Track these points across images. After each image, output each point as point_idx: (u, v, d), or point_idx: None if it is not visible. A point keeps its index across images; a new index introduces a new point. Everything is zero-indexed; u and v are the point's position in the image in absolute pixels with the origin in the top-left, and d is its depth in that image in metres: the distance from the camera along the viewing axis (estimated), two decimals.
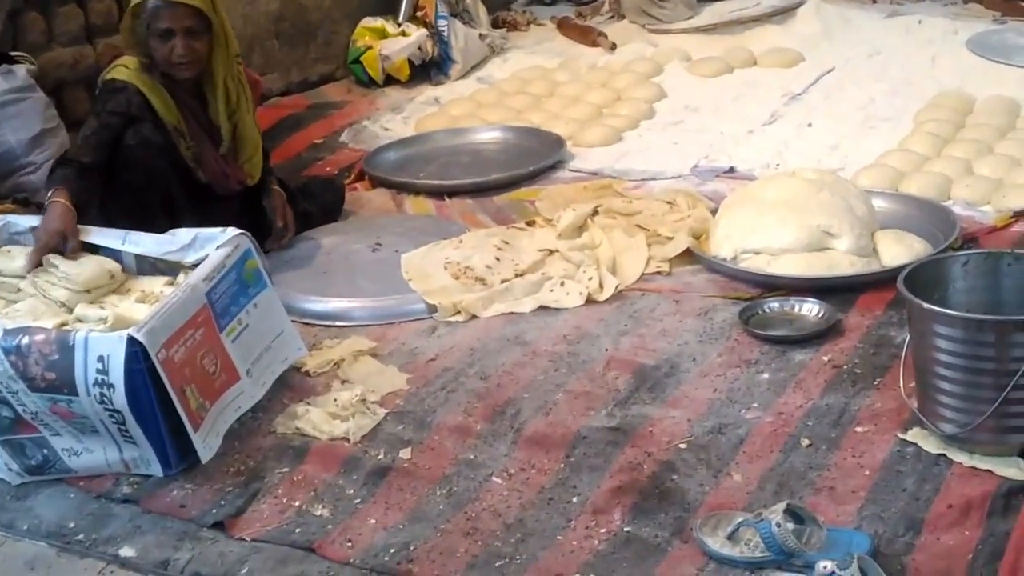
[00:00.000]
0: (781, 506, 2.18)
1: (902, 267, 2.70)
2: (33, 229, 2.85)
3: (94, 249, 2.82)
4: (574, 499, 2.38)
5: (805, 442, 2.50)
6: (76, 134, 3.52)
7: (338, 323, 3.19)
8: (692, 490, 2.38)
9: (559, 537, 2.28)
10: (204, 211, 3.27)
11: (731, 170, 4.09)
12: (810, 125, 4.43)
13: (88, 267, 2.69)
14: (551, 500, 2.39)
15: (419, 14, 5.39)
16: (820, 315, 3.00)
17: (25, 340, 2.38)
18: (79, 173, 3.09)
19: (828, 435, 2.52)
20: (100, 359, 2.36)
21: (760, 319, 3.02)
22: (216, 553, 2.29)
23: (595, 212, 3.63)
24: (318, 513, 2.39)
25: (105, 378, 2.35)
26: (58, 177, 3.06)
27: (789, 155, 4.13)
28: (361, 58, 5.26)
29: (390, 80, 5.28)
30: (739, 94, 4.85)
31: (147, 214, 3.19)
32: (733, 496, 2.35)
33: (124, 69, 3.31)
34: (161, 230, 2.92)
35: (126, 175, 3.23)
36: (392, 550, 2.27)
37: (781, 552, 2.14)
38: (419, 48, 5.26)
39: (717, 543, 2.20)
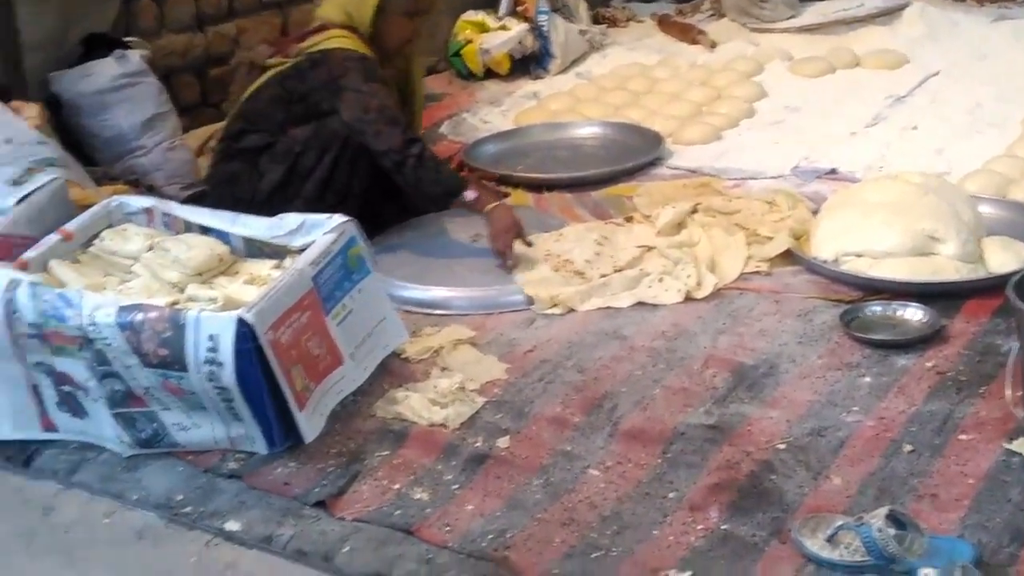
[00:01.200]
0: (883, 511, 2.15)
1: (1010, 274, 2.66)
2: (147, 210, 2.91)
3: (204, 231, 2.87)
4: (671, 495, 2.38)
5: (907, 448, 2.46)
6: (197, 118, 3.59)
7: (438, 311, 3.22)
8: (791, 491, 2.36)
9: (655, 532, 2.28)
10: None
11: (833, 171, 4.04)
12: (915, 128, 4.37)
13: (199, 250, 2.74)
14: (648, 494, 2.39)
15: (520, 9, 5.41)
16: (924, 320, 2.95)
17: (139, 317, 2.43)
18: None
19: (931, 442, 2.48)
20: (211, 338, 2.40)
21: (862, 322, 2.99)
22: (318, 531, 2.33)
23: (694, 210, 3.62)
24: (417, 497, 2.42)
25: (215, 356, 2.40)
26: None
27: (892, 158, 4.07)
28: (462, 51, 5.30)
29: (490, 73, 5.31)
30: (842, 95, 4.80)
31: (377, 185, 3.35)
32: (832, 499, 2.33)
33: (347, 40, 3.37)
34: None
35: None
36: (489, 536, 2.28)
37: (882, 557, 2.11)
38: (519, 42, 5.28)
39: (816, 545, 2.18)
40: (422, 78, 3.67)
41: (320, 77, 3.37)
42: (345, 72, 3.34)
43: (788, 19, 5.68)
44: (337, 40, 3.39)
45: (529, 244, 3.33)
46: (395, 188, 3.68)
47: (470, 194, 3.34)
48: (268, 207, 2.98)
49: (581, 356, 2.93)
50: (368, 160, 3.39)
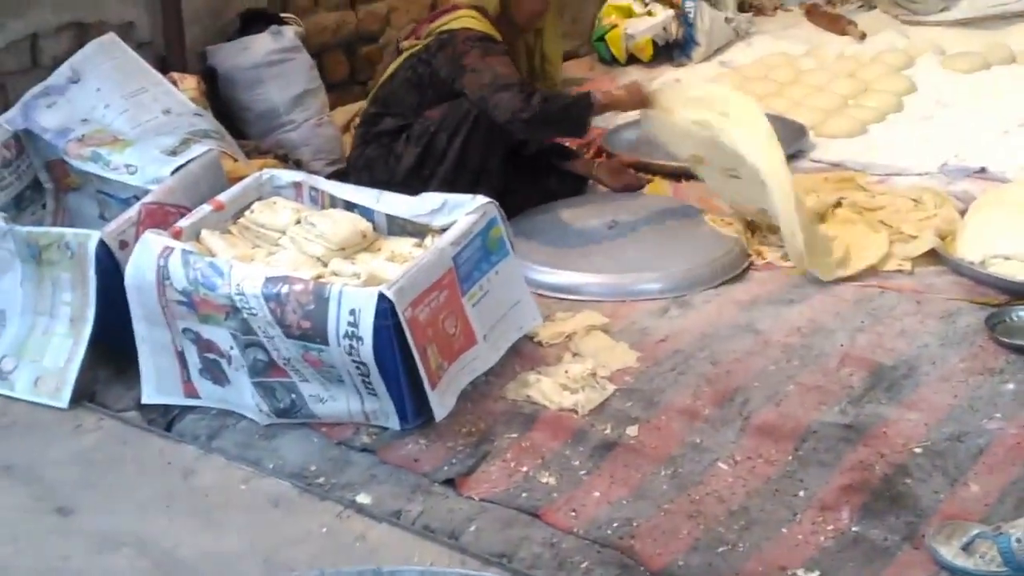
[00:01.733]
0: (1022, 521, 2.08)
1: None
2: (296, 184, 2.97)
3: (350, 207, 2.91)
4: (801, 493, 2.34)
5: None
6: (345, 95, 3.64)
7: (571, 296, 3.21)
8: (926, 496, 2.30)
9: (784, 530, 2.24)
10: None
11: (982, 170, 3.90)
12: None
13: (343, 226, 2.78)
14: (777, 491, 2.35)
15: None
16: None
17: (285, 289, 2.48)
18: None
19: None
20: (352, 312, 2.44)
21: (1007, 327, 2.88)
22: (446, 509, 2.35)
23: (838, 204, 3.53)
24: (544, 480, 2.42)
25: (355, 331, 2.44)
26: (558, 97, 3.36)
27: None
28: (606, 36, 5.27)
29: (632, 59, 5.27)
30: (995, 92, 4.62)
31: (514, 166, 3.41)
32: (969, 507, 2.26)
33: (474, 20, 3.42)
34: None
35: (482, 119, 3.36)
36: (615, 524, 2.27)
37: (1020, 568, 2.04)
38: (664, 28, 5.22)
39: (950, 553, 2.12)
40: (559, 55, 3.67)
41: (446, 58, 3.39)
42: (466, 51, 3.35)
43: (941, 11, 5.50)
44: (462, 20, 3.41)
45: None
46: (532, 170, 3.69)
47: (598, 96, 3.38)
48: (406, 189, 3.01)
49: (714, 348, 2.89)
50: (502, 138, 3.41)
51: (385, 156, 3.47)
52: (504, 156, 3.52)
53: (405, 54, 3.51)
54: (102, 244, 2.75)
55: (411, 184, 3.23)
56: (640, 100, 3.44)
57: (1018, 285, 3.04)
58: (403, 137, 3.46)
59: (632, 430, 2.57)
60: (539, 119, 3.25)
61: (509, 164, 3.59)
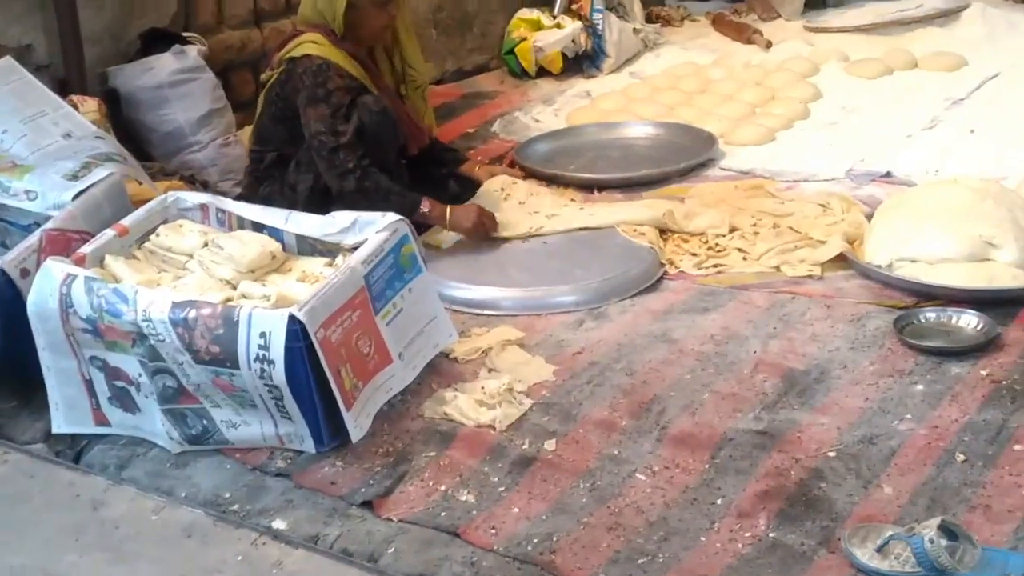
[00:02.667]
0: (935, 521, 2.12)
1: None
2: (202, 206, 2.93)
3: (258, 228, 2.88)
4: (718, 501, 2.36)
5: (960, 457, 2.42)
6: (251, 115, 3.64)
7: (487, 311, 3.21)
8: (840, 500, 2.33)
9: (702, 538, 2.26)
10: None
11: (888, 175, 3.98)
12: (972, 132, 4.29)
13: (252, 248, 2.75)
14: (695, 500, 2.36)
15: (574, 7, 5.39)
16: (979, 328, 2.90)
17: (192, 313, 2.44)
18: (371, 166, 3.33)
19: (984, 451, 2.44)
20: (262, 335, 2.41)
21: (915, 329, 2.94)
22: (364, 531, 2.33)
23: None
24: (463, 498, 2.41)
25: (266, 354, 2.41)
26: (383, 184, 3.32)
27: (949, 162, 4.01)
28: (515, 49, 5.29)
29: (542, 72, 5.29)
30: (898, 97, 4.73)
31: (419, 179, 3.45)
32: (883, 508, 2.29)
33: (314, 46, 3.39)
34: None
35: (363, 141, 3.35)
36: (535, 540, 2.27)
37: (933, 569, 2.08)
38: (573, 41, 5.26)
39: (866, 555, 2.15)
40: (419, 58, 3.69)
41: (292, 91, 3.40)
42: (299, 89, 3.37)
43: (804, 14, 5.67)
44: (304, 46, 3.40)
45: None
46: (430, 174, 3.71)
47: (425, 207, 3.39)
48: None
49: (630, 359, 2.91)
50: (388, 145, 3.43)
51: (280, 189, 3.46)
52: (397, 161, 3.53)
53: (265, 87, 3.50)
54: (2, 273, 2.70)
55: (314, 210, 3.20)
56: (470, 227, 3.47)
57: (924, 287, 3.11)
58: (293, 165, 3.44)
59: (550, 444, 2.57)
60: (352, 198, 3.28)
61: (406, 169, 3.60)
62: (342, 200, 3.25)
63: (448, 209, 3.44)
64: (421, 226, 3.39)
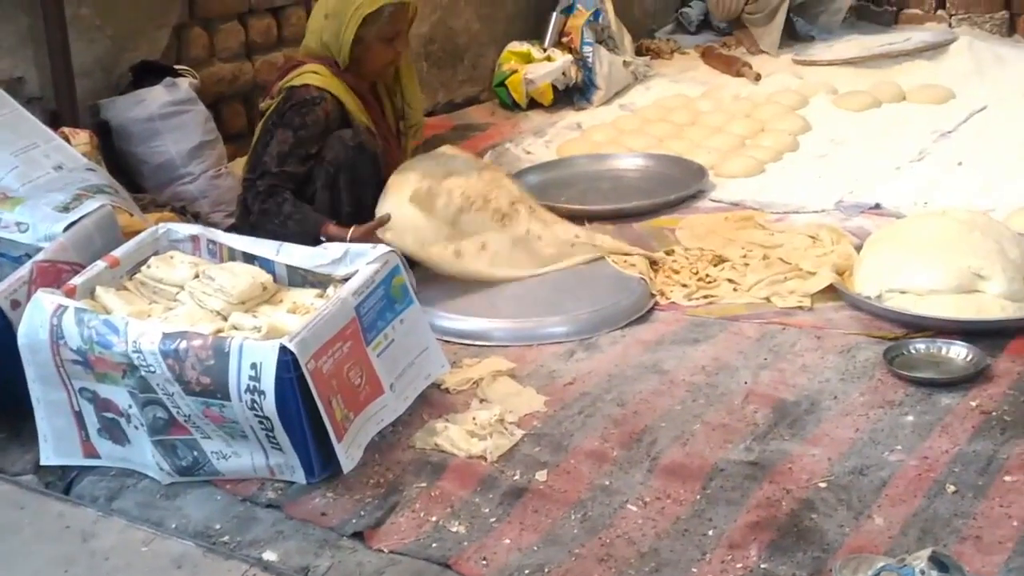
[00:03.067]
0: (925, 553, 2.12)
1: None
2: (193, 238, 2.94)
3: (249, 259, 2.89)
4: (710, 532, 2.36)
5: (951, 488, 2.43)
6: (243, 146, 3.67)
7: (477, 342, 3.22)
8: (831, 531, 2.33)
9: (694, 569, 2.26)
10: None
11: (877, 206, 4.01)
12: (960, 164, 4.34)
13: (243, 279, 2.75)
14: (686, 531, 2.37)
15: (565, 40, 5.43)
16: (968, 359, 2.92)
17: (183, 344, 2.45)
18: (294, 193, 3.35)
19: (975, 482, 2.45)
20: (253, 366, 2.41)
21: (905, 360, 2.95)
22: (355, 563, 2.33)
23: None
24: (454, 529, 2.41)
25: (257, 385, 2.41)
26: (285, 209, 3.33)
27: (938, 194, 4.04)
28: (506, 81, 5.32)
29: (533, 104, 5.32)
30: (887, 129, 4.77)
31: (343, 213, 3.39)
32: (874, 539, 2.30)
33: (315, 75, 3.42)
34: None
35: (334, 175, 3.36)
36: (526, 571, 2.27)
37: None
38: (563, 73, 5.29)
39: None
40: (418, 97, 3.74)
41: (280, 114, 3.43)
42: (284, 113, 3.42)
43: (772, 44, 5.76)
44: (304, 76, 3.43)
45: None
46: None
47: (325, 233, 3.34)
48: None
49: (621, 389, 2.91)
50: (360, 180, 3.44)
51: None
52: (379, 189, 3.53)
53: (264, 117, 3.53)
54: None
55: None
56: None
57: (914, 318, 3.12)
58: None
59: (541, 475, 2.57)
60: (254, 224, 3.34)
61: None
62: (251, 225, 3.30)
63: (350, 232, 3.31)
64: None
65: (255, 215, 3.38)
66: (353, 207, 3.44)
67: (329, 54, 3.47)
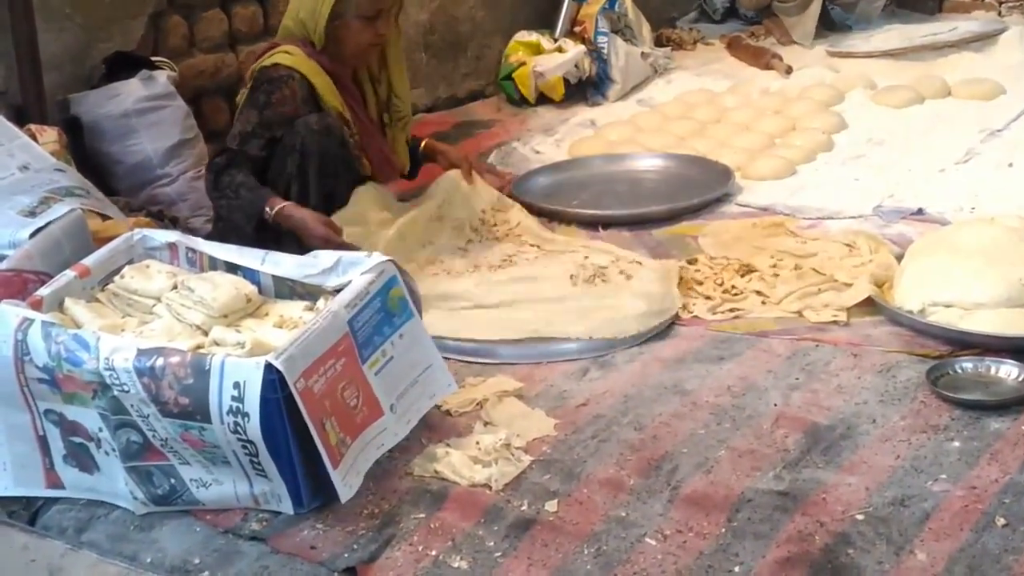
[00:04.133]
0: None
1: None
2: (171, 245, 2.95)
3: (232, 268, 2.90)
4: (736, 568, 2.36)
5: (1001, 521, 2.43)
6: (218, 145, 3.70)
7: (481, 360, 3.23)
8: (870, 567, 2.33)
9: None
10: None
11: (919, 212, 4.02)
12: (1011, 165, 4.33)
13: (225, 290, 2.76)
14: (710, 567, 2.37)
15: (577, 29, 5.46)
16: (1020, 379, 2.92)
17: (159, 362, 2.45)
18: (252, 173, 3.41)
19: None
20: (236, 386, 2.42)
21: (950, 380, 2.96)
22: None
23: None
24: (455, 565, 2.41)
25: (240, 406, 2.42)
26: (237, 179, 3.37)
27: (986, 198, 4.04)
28: (513, 75, 5.35)
29: (543, 99, 5.35)
30: (930, 128, 4.78)
31: (311, 206, 3.42)
32: None
33: (286, 55, 3.46)
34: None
35: (301, 162, 3.38)
36: None
37: None
38: (576, 66, 5.32)
39: None
40: (406, 88, 3.76)
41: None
42: (254, 89, 3.49)
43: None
44: (276, 55, 3.51)
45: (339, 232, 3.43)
46: None
47: (274, 206, 3.40)
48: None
49: (638, 412, 2.92)
50: (329, 166, 3.49)
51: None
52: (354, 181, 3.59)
53: (239, 107, 3.57)
54: None
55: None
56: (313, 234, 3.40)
57: (960, 334, 3.12)
58: None
59: (551, 505, 2.57)
60: (214, 199, 3.45)
61: None
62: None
63: (301, 214, 3.38)
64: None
65: (209, 191, 3.45)
66: (321, 198, 3.46)
67: (306, 33, 3.53)
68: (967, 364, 3.01)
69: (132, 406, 2.50)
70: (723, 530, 2.47)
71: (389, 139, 3.73)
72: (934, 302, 3.22)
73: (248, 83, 3.55)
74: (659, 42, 5.95)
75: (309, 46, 3.52)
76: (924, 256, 3.38)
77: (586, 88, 5.39)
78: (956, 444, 2.71)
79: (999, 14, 6.08)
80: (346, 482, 2.54)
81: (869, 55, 5.57)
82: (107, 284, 2.85)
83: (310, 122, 3.42)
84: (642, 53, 5.56)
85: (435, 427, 2.86)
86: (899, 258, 3.52)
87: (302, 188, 3.46)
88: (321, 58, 3.50)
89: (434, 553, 2.44)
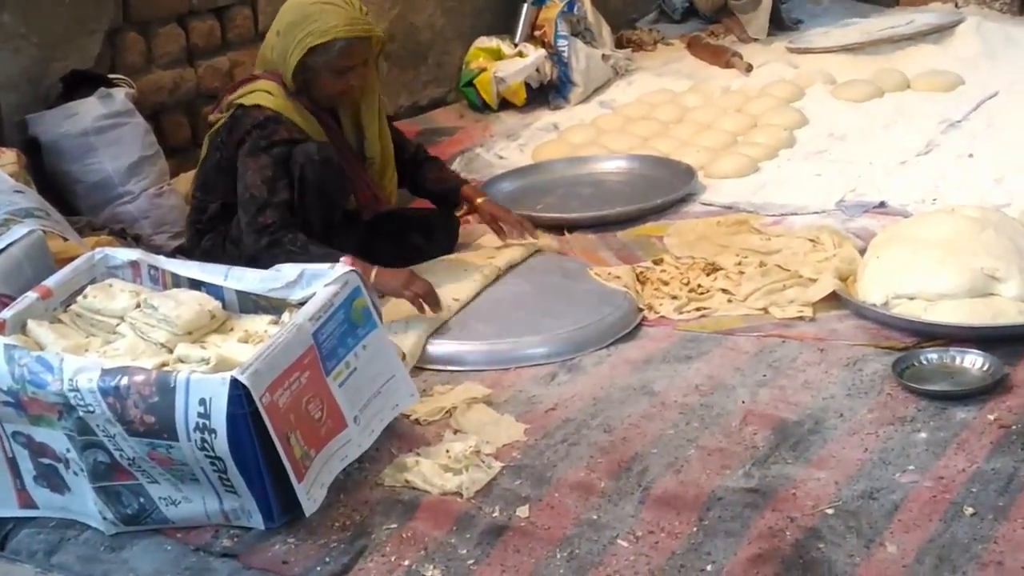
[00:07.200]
0: None
1: None
2: (133, 264, 2.94)
3: (195, 285, 2.89)
4: (708, 567, 2.37)
5: (969, 511, 2.45)
6: (187, 161, 3.64)
7: (450, 367, 3.23)
8: (840, 561, 2.34)
9: None
10: (342, 239, 3.47)
11: (881, 205, 4.05)
12: (971, 156, 4.38)
13: (188, 307, 2.75)
14: (682, 567, 2.37)
15: (537, 33, 5.47)
16: (984, 368, 2.94)
17: (124, 381, 2.45)
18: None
19: (995, 503, 2.46)
20: (202, 402, 2.41)
21: (916, 372, 2.98)
22: None
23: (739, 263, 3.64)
24: (429, 574, 2.41)
25: (207, 423, 2.41)
26: (301, 239, 3.30)
27: (947, 189, 4.09)
28: (474, 81, 5.35)
29: (505, 104, 5.36)
30: (890, 121, 4.82)
31: (313, 234, 3.38)
32: (887, 569, 2.31)
33: (267, 96, 3.42)
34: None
35: (302, 191, 3.38)
36: None
37: None
38: (537, 70, 5.33)
39: None
40: (375, 133, 3.66)
41: (234, 143, 3.43)
42: (243, 140, 3.41)
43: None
44: (256, 95, 3.43)
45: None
46: (393, 226, 3.73)
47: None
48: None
49: (608, 414, 2.93)
50: (335, 193, 3.46)
51: (222, 243, 3.48)
52: (348, 222, 3.56)
53: (211, 131, 3.54)
54: None
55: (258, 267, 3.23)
56: (400, 285, 3.34)
57: (925, 326, 3.15)
58: (235, 220, 3.45)
59: (523, 511, 2.58)
60: (262, 253, 3.30)
61: (365, 221, 3.62)
62: (257, 261, 3.21)
63: (374, 271, 3.28)
64: None
65: (259, 248, 3.31)
66: (322, 227, 3.45)
67: (280, 71, 3.48)
68: (932, 355, 3.03)
69: (98, 426, 2.49)
70: (694, 529, 2.48)
71: (370, 177, 3.67)
72: (897, 294, 3.25)
73: (225, 113, 3.49)
74: (619, 44, 5.97)
75: (285, 86, 3.48)
76: (886, 249, 3.40)
77: (548, 92, 5.40)
78: (923, 435, 2.73)
79: (956, 5, 6.12)
80: (311, 496, 2.54)
81: (828, 50, 5.59)
82: (70, 305, 2.84)
83: (310, 151, 3.38)
84: (603, 55, 5.58)
85: (405, 436, 2.86)
86: (862, 252, 3.54)
87: (305, 219, 3.41)
88: (300, 98, 3.47)
89: (407, 563, 2.45)
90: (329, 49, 3.38)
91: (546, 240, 3.92)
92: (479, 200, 3.87)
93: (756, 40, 5.88)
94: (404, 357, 3.11)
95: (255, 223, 3.33)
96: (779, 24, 6.00)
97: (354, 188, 3.55)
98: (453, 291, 3.48)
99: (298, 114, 3.43)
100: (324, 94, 3.47)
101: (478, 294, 3.55)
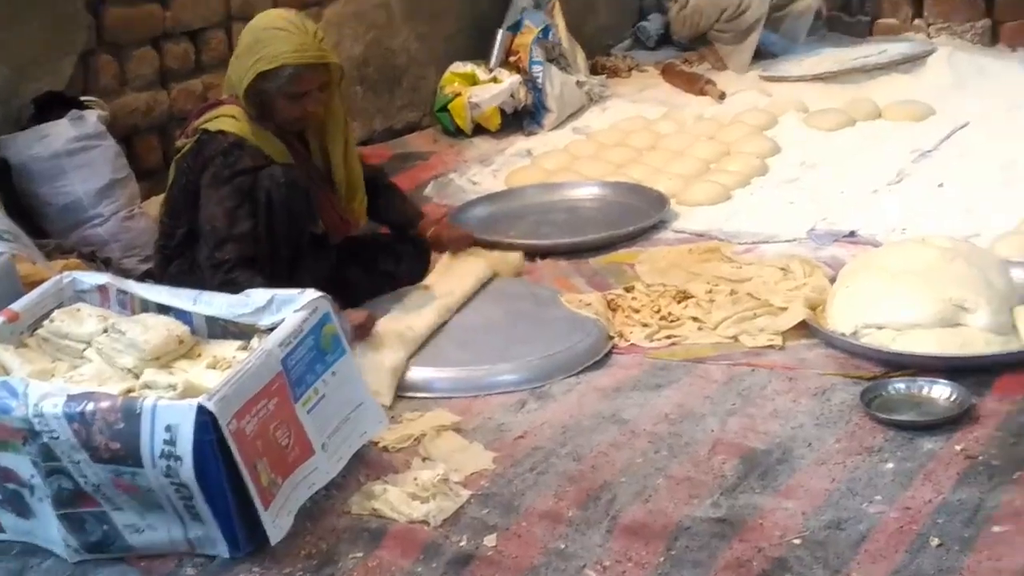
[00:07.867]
0: None
1: None
2: (101, 288, 2.93)
3: (164, 310, 2.88)
4: None
5: (935, 541, 2.45)
6: (158, 184, 3.61)
7: (419, 394, 3.22)
8: None
9: None
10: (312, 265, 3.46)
11: (852, 234, 4.07)
12: (941, 186, 4.41)
13: (156, 332, 2.74)
14: None
15: (512, 59, 5.48)
16: (952, 399, 2.96)
17: (89, 407, 2.43)
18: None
19: (961, 534, 2.47)
20: (168, 429, 2.40)
21: (884, 401, 2.99)
22: None
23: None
24: None
25: (172, 450, 2.40)
26: (256, 282, 3.19)
27: (918, 219, 4.10)
28: (449, 106, 5.35)
29: (479, 130, 5.36)
30: (862, 150, 4.85)
31: (279, 262, 3.37)
32: None
33: (232, 120, 3.40)
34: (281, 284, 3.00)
35: (268, 217, 3.36)
36: None
37: None
38: (511, 95, 5.34)
39: None
40: (340, 159, 3.61)
41: (198, 170, 3.41)
42: (206, 167, 3.39)
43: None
44: (221, 120, 3.41)
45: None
46: (364, 252, 3.72)
47: None
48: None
49: (576, 442, 2.92)
50: (304, 217, 3.45)
51: (190, 268, 3.45)
52: (317, 247, 3.55)
53: (177, 156, 3.52)
54: None
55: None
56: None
57: (893, 356, 3.16)
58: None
59: (490, 540, 2.57)
60: (216, 286, 3.23)
61: (336, 247, 3.61)
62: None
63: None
64: (349, 299, 3.41)
65: (213, 285, 3.23)
66: (291, 251, 3.43)
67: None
68: (900, 385, 3.04)
69: (63, 452, 2.47)
70: (662, 559, 2.47)
71: (339, 201, 3.65)
72: (866, 324, 3.26)
73: (191, 138, 3.48)
74: (594, 70, 5.99)
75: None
76: (856, 278, 3.42)
77: (522, 118, 5.41)
78: (890, 465, 2.74)
79: (928, 36, 6.18)
80: (276, 523, 2.52)
81: (801, 79, 5.63)
82: (37, 329, 2.83)
83: (275, 175, 3.35)
84: (577, 81, 5.60)
85: (372, 464, 2.85)
86: (833, 280, 3.55)
87: (272, 244, 3.39)
88: (265, 120, 3.45)
89: None
90: (279, 75, 3.36)
91: (500, 258, 3.95)
92: (429, 233, 3.90)
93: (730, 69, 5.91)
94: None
95: (213, 258, 3.32)
96: (755, 54, 6.02)
97: (321, 211, 3.54)
98: (411, 321, 3.47)
99: (263, 138, 3.41)
100: (283, 118, 3.45)
101: (443, 324, 3.54)
